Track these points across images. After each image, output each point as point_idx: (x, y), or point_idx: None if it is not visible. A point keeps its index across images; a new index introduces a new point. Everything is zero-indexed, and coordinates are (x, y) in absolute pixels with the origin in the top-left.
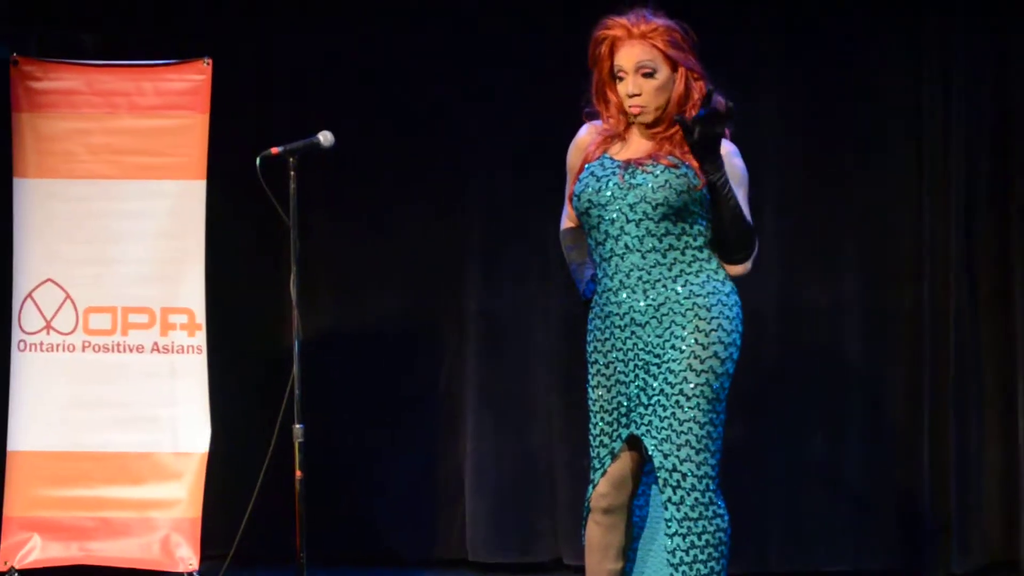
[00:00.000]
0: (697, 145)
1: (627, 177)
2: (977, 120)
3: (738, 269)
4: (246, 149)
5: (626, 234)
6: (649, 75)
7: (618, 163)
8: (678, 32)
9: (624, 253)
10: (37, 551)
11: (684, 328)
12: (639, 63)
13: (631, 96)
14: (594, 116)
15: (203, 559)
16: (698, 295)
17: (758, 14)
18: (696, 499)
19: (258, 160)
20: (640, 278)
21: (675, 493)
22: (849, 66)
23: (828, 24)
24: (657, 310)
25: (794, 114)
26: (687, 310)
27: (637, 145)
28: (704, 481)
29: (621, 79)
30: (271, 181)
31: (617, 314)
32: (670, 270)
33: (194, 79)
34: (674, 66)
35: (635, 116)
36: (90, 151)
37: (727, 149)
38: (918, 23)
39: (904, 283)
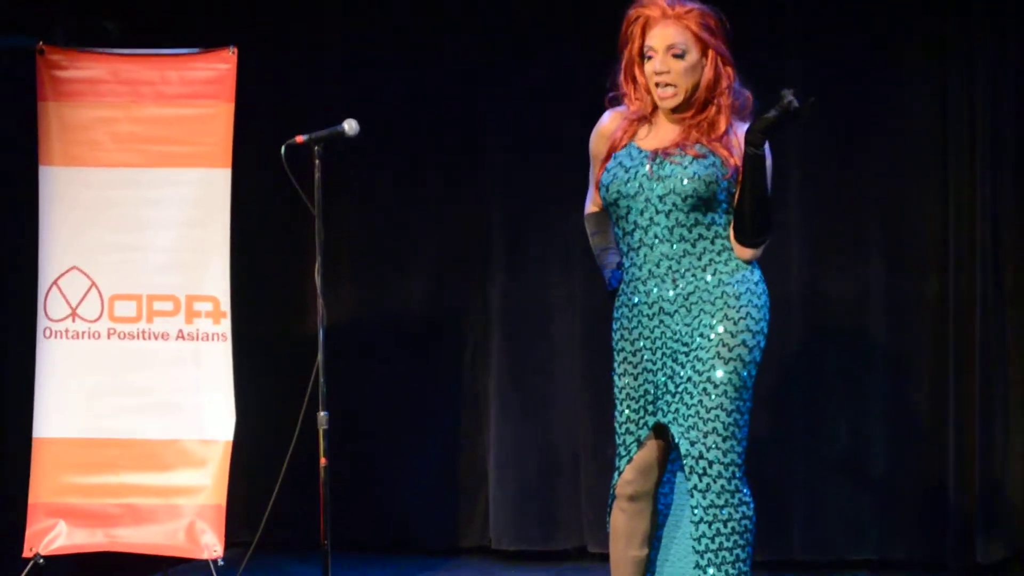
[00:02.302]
0: (775, 121)
1: (656, 168)
2: (1003, 107)
3: (747, 253)
4: (271, 137)
5: (656, 224)
6: (679, 56)
7: (646, 153)
8: (712, 17)
9: (653, 243)
10: (63, 537)
11: (713, 317)
12: (671, 43)
13: (658, 73)
14: (617, 101)
15: (228, 546)
16: (727, 284)
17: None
18: (722, 487)
19: (283, 148)
20: (669, 268)
21: (701, 481)
22: (873, 54)
23: (851, 11)
24: (686, 299)
25: (818, 103)
26: (716, 299)
27: (664, 131)
28: (730, 469)
29: (650, 58)
30: (296, 169)
31: (645, 303)
32: (699, 260)
33: (219, 68)
34: (704, 50)
35: (663, 101)
36: (115, 139)
37: None
38: (943, 10)
39: (929, 272)
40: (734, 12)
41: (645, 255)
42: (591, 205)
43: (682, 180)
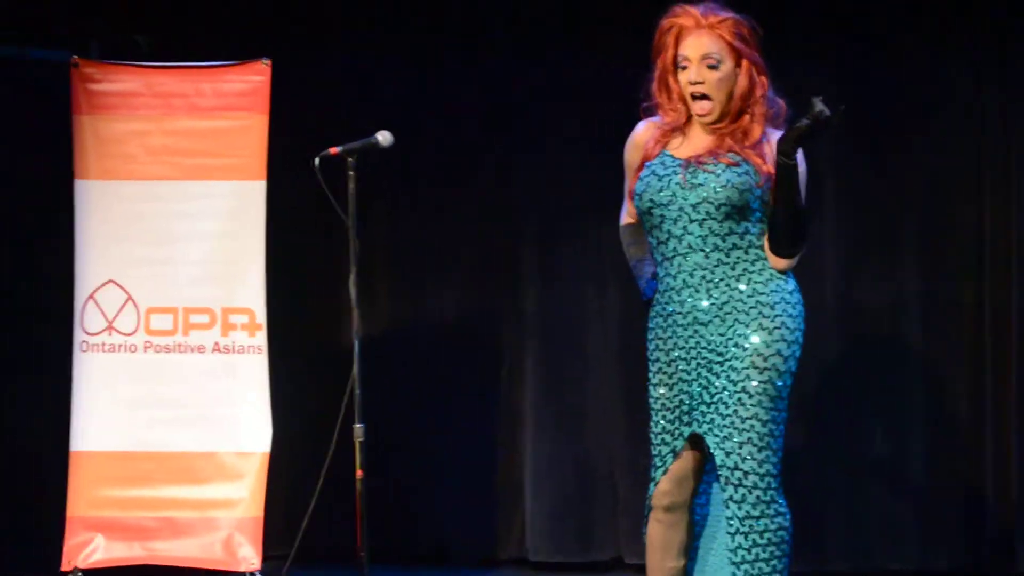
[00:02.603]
0: (806, 131)
1: (689, 176)
2: None
3: (782, 264)
4: (305, 149)
5: (689, 234)
6: (713, 67)
7: (679, 161)
8: (745, 26)
9: (687, 253)
10: (100, 551)
11: (747, 327)
12: (705, 53)
13: (692, 84)
14: (651, 112)
15: (265, 558)
16: (761, 293)
17: (808, 10)
18: (758, 497)
19: (317, 160)
20: (703, 277)
21: (736, 491)
22: (906, 61)
23: (884, 19)
24: (720, 309)
25: (850, 110)
26: (750, 308)
27: (697, 140)
28: (766, 479)
29: (684, 68)
30: (330, 181)
31: (680, 313)
32: (733, 269)
33: (253, 80)
34: (738, 60)
35: (701, 117)
36: (149, 152)
37: None
38: (975, 13)
39: (964, 279)
40: (765, 20)
41: (679, 264)
42: (626, 216)
43: (715, 188)
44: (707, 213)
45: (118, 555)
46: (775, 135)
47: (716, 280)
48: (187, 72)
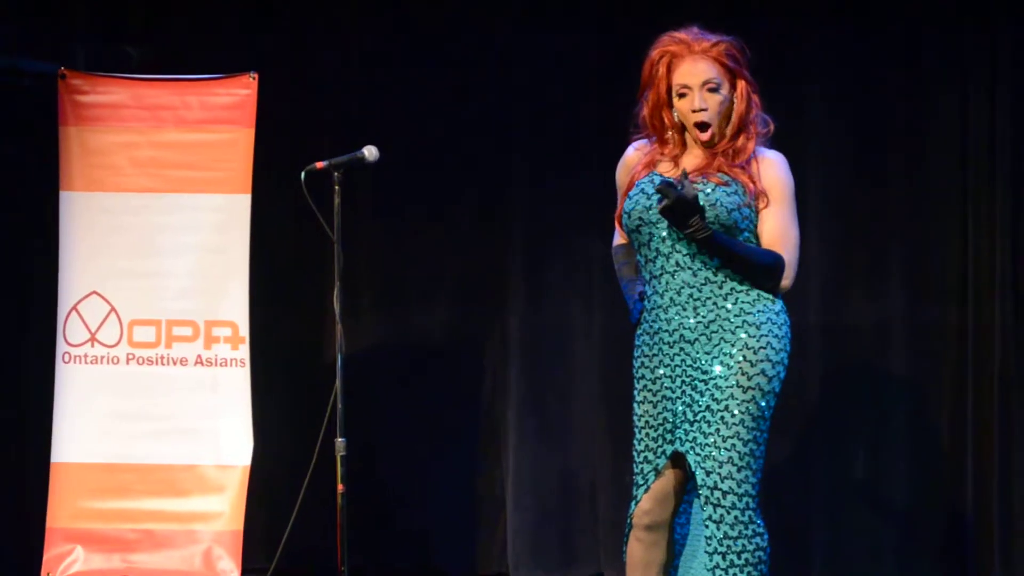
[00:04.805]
0: (668, 212)
1: None
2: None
3: (777, 289)
4: (290, 163)
5: (677, 252)
6: (714, 90)
7: (668, 180)
8: (736, 48)
9: (675, 271)
10: (80, 562)
11: (733, 345)
12: (705, 79)
13: (695, 111)
14: (640, 138)
15: (244, 572)
16: (748, 312)
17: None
18: (736, 517)
19: (303, 174)
20: (691, 295)
21: (715, 511)
22: (892, 82)
23: (869, 35)
24: (707, 327)
25: (838, 129)
26: (736, 328)
27: (688, 160)
28: (744, 499)
29: (683, 95)
30: (316, 195)
31: (666, 331)
32: (721, 288)
33: (240, 93)
34: (733, 82)
35: (702, 141)
36: (136, 164)
37: (773, 159)
38: (962, 33)
39: (948, 300)
40: (752, 38)
41: (667, 283)
42: (619, 237)
43: (704, 207)
44: None
45: (97, 567)
46: (762, 153)
47: (703, 298)
48: (174, 84)
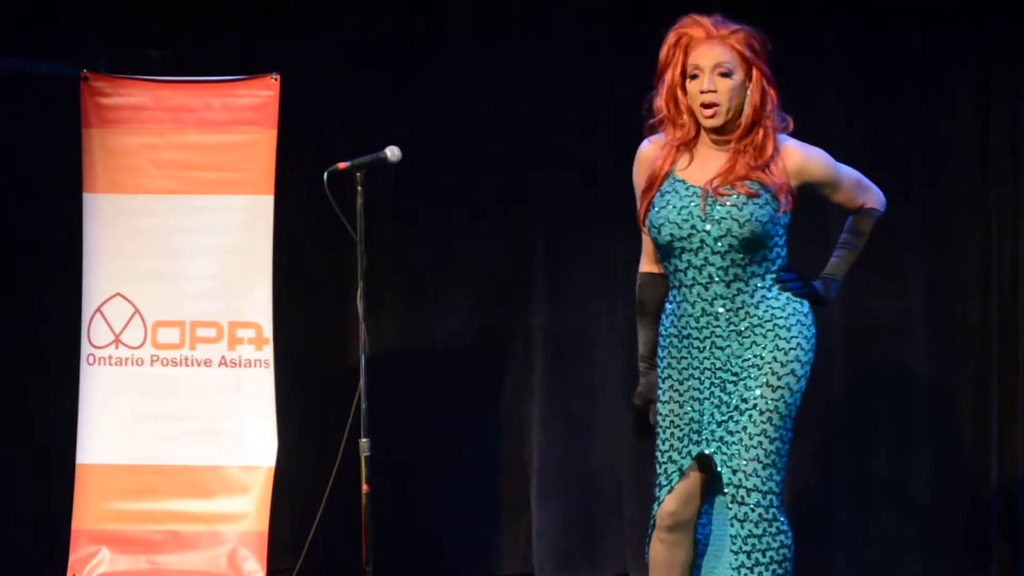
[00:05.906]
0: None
1: (708, 209)
2: None
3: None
4: (313, 164)
5: (710, 265)
6: (726, 75)
7: (695, 190)
8: (756, 39)
9: (708, 283)
10: (105, 564)
11: (763, 348)
12: (718, 62)
13: (704, 92)
14: (654, 129)
15: (270, 573)
16: (779, 317)
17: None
18: (760, 515)
19: (325, 175)
20: (724, 306)
21: (739, 509)
22: (912, 78)
23: (892, 32)
24: (740, 335)
25: (857, 127)
26: (768, 331)
27: (708, 160)
28: (768, 497)
29: (695, 77)
30: (339, 195)
31: (697, 337)
32: (752, 296)
33: (262, 94)
34: (749, 72)
35: (707, 118)
36: (158, 166)
37: (791, 147)
38: (985, 34)
39: (971, 297)
40: (771, 36)
41: (699, 293)
42: (645, 261)
43: (740, 223)
44: (729, 246)
45: (123, 568)
46: (784, 142)
47: (735, 308)
48: (196, 86)
